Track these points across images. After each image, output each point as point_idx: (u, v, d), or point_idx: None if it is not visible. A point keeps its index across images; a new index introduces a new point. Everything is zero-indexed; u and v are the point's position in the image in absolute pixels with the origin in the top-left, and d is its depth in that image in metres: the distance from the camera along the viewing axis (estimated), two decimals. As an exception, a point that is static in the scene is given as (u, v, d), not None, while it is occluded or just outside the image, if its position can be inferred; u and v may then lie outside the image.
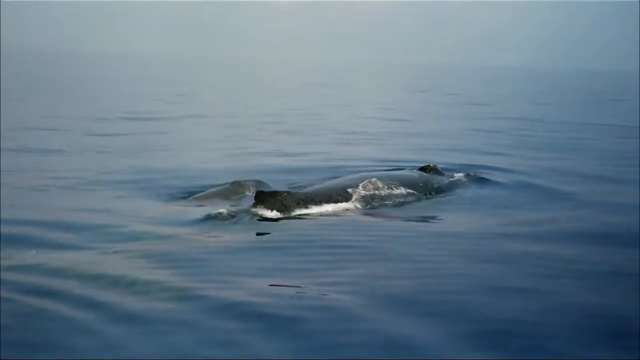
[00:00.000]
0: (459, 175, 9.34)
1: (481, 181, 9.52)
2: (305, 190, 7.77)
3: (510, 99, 39.14)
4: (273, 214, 6.95)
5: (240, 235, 6.54)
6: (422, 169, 9.06)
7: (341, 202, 7.45)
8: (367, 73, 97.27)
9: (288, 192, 7.24)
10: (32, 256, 5.82)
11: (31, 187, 8.94)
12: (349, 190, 7.65)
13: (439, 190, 8.42)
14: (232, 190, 8.12)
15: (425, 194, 8.16)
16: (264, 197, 7.00)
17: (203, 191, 8.39)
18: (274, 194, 7.09)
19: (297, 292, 5.07)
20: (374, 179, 7.98)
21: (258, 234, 6.60)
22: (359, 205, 7.56)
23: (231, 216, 6.95)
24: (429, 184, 8.42)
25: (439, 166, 9.55)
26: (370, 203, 7.68)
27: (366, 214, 7.45)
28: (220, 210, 7.05)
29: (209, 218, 6.95)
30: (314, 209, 7.16)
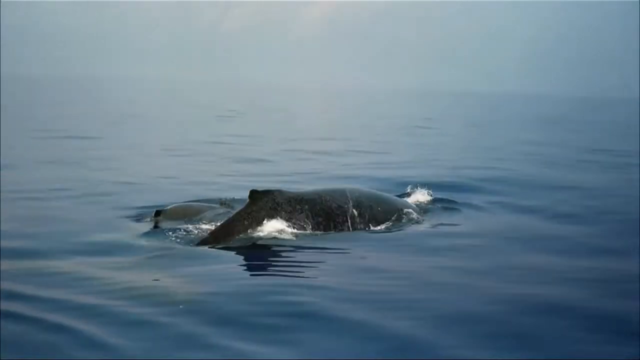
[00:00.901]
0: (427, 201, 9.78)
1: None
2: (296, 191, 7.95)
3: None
4: (265, 212, 7.24)
5: (229, 244, 6.83)
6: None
7: (329, 202, 7.66)
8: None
9: (279, 191, 7.52)
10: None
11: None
12: (337, 194, 7.86)
13: (419, 210, 8.83)
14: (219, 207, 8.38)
15: (403, 211, 8.43)
16: (257, 195, 7.28)
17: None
18: (267, 192, 7.37)
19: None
20: (363, 192, 8.28)
21: (247, 243, 6.89)
22: (347, 209, 7.73)
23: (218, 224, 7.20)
24: (407, 204, 8.83)
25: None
26: (357, 207, 7.83)
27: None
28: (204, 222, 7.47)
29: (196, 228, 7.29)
30: (304, 206, 7.43)
